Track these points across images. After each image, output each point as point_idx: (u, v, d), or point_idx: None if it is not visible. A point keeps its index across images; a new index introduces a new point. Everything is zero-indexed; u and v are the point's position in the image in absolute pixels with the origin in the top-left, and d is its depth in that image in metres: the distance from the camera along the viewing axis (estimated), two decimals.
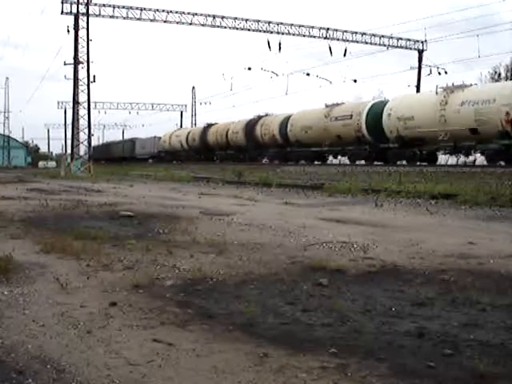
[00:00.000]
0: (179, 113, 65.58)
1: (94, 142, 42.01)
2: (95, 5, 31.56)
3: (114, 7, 32.44)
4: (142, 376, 2.10)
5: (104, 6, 32.06)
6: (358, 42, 36.61)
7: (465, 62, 63.39)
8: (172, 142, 48.19)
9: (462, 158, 23.18)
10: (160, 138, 51.66)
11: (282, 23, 35.33)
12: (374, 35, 36.71)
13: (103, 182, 19.05)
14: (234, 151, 38.21)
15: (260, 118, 35.77)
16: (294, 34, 35.69)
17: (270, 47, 34.83)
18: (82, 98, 30.31)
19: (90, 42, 29.81)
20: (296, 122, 31.11)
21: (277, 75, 39.72)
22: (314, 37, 36.13)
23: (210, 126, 42.81)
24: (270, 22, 35.17)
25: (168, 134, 50.53)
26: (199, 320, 2.79)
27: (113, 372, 2.13)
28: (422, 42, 37.26)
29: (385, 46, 37.40)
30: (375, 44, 37.20)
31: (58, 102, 60.79)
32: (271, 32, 35.07)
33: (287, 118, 32.00)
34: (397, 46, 37.57)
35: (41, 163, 72.79)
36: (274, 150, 33.70)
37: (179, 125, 63.35)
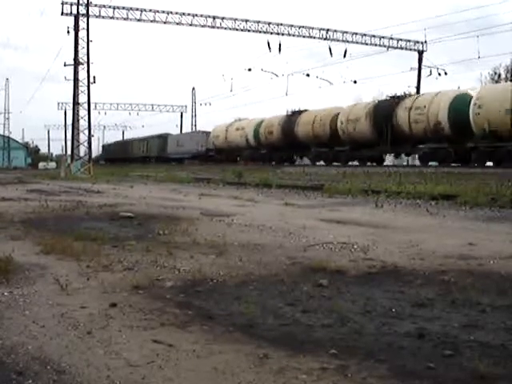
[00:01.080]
0: (179, 114, 65.61)
1: (94, 143, 40.92)
2: (95, 6, 31.69)
3: (114, 8, 32.57)
4: (142, 377, 2.10)
5: (104, 6, 32.18)
6: (357, 42, 36.72)
7: (465, 63, 63.49)
8: (230, 137, 37.22)
9: None
10: (207, 132, 42.00)
11: (281, 24, 35.49)
12: (374, 36, 36.80)
13: (103, 183, 19.04)
14: (347, 147, 26.99)
15: (399, 98, 24.70)
16: (293, 35, 35.80)
17: (269, 48, 34.94)
18: (82, 98, 30.37)
19: (90, 43, 29.86)
20: (490, 100, 19.33)
21: (277, 76, 39.80)
22: (314, 38, 36.27)
23: (298, 112, 31.80)
24: (269, 23, 35.28)
25: (222, 127, 39.44)
26: (199, 321, 2.79)
27: (113, 373, 2.13)
28: (422, 43, 37.35)
29: (385, 46, 37.49)
30: (375, 45, 37.29)
31: (58, 103, 61.05)
32: (271, 33, 35.18)
33: (466, 95, 21.41)
34: (397, 47, 37.65)
35: (41, 164, 72.83)
36: (435, 145, 21.99)
37: (179, 126, 63.27)
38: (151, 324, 2.74)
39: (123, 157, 56.38)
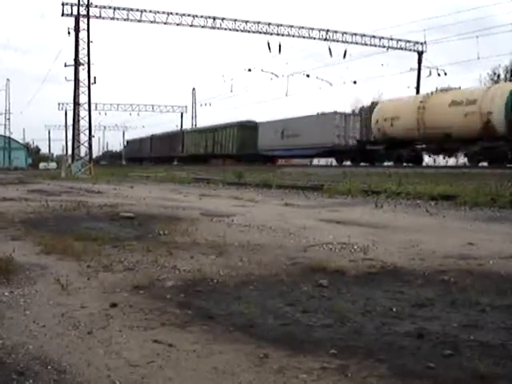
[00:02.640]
0: (179, 114, 65.49)
1: (94, 144, 40.06)
2: (96, 7, 31.68)
3: (114, 9, 32.60)
4: (142, 377, 2.11)
5: (104, 7, 32.19)
6: (357, 43, 36.70)
7: (464, 64, 63.67)
8: (431, 120, 21.51)
9: None
10: (347, 114, 27.33)
11: (281, 25, 35.50)
12: (374, 37, 36.80)
13: (104, 183, 19.05)
14: None
15: None
16: (293, 36, 35.81)
17: (269, 49, 34.95)
18: (83, 99, 30.38)
19: (90, 44, 29.89)
20: None
21: (277, 76, 39.77)
22: (314, 38, 36.27)
23: None
24: (269, 24, 35.29)
25: (408, 103, 23.08)
26: (199, 321, 2.79)
27: (113, 373, 2.13)
28: (422, 44, 37.34)
29: (384, 47, 37.47)
30: (375, 45, 37.28)
31: (59, 104, 60.93)
32: (271, 34, 35.19)
33: None
34: (396, 48, 37.64)
35: (41, 164, 72.90)
36: None
37: (179, 126, 63.14)
38: (151, 324, 2.74)
39: (164, 155, 43.51)
